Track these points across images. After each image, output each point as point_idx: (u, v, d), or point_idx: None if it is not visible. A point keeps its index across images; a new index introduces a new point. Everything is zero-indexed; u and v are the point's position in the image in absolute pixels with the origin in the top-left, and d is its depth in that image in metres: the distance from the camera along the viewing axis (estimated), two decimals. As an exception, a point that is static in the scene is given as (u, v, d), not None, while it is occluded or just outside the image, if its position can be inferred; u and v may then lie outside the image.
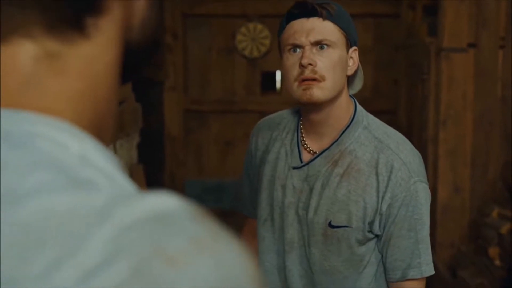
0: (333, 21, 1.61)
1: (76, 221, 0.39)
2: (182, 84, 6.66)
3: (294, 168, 1.71)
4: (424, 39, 4.96)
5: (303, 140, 1.72)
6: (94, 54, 0.50)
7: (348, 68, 1.66)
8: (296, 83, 1.60)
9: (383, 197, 1.59)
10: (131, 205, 0.39)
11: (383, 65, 6.66)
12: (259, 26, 6.57)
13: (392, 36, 6.50)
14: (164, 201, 0.41)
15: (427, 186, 1.64)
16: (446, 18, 4.39)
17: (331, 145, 1.67)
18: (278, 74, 6.55)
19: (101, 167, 0.45)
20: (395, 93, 6.40)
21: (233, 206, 1.98)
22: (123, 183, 0.46)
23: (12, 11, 0.46)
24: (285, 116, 1.82)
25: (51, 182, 0.41)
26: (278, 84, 6.56)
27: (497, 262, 3.97)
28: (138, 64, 0.58)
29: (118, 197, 0.40)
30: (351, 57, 1.67)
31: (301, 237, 1.69)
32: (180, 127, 6.71)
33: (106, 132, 0.53)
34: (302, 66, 1.58)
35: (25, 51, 0.47)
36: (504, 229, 4.02)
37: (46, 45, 0.48)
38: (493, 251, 4.02)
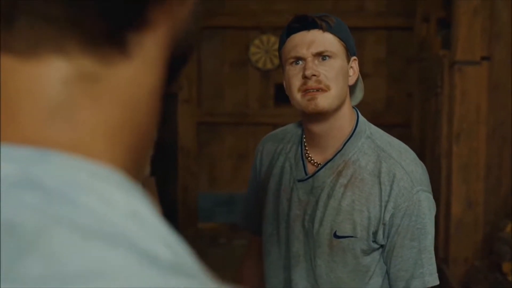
0: (333, 33, 1.64)
1: None
2: (195, 96, 6.68)
3: (299, 181, 1.71)
4: (437, 52, 4.95)
5: (307, 153, 1.72)
6: (136, 76, 0.41)
7: (349, 78, 1.68)
8: (300, 94, 1.62)
9: (385, 207, 1.59)
10: None
11: (396, 78, 6.65)
12: (273, 38, 6.58)
13: (405, 49, 6.49)
14: None
15: (430, 196, 1.63)
16: (460, 31, 4.38)
17: (335, 156, 1.67)
18: (291, 87, 6.54)
19: (155, 229, 0.36)
20: (409, 106, 6.38)
21: (239, 224, 1.98)
22: (182, 252, 0.37)
23: (41, 23, 0.38)
24: (288, 130, 1.83)
25: (117, 259, 0.33)
26: (291, 97, 6.54)
27: (511, 278, 3.93)
28: (173, 77, 0.48)
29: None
30: (351, 67, 1.70)
31: (307, 250, 1.69)
32: (193, 139, 6.72)
33: (142, 166, 0.44)
34: (305, 77, 1.60)
35: (55, 71, 0.38)
36: (518, 244, 3.98)
37: (82, 64, 0.39)
38: (507, 266, 3.98)
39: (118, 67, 0.40)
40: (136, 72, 0.41)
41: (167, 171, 6.16)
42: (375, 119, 1.74)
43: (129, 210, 0.36)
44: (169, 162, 6.38)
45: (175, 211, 6.35)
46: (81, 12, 0.38)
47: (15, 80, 0.38)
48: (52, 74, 0.38)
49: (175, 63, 0.46)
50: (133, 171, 0.41)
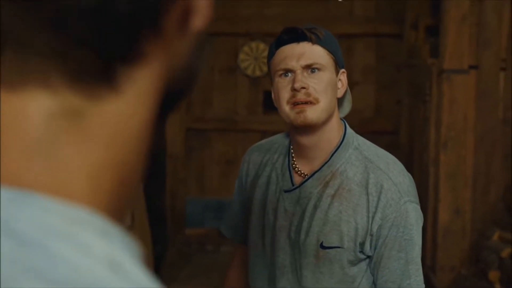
0: (322, 45, 1.64)
1: None
2: (184, 102, 6.67)
3: (285, 191, 1.71)
4: (426, 59, 4.97)
5: (294, 164, 1.72)
6: (125, 112, 0.38)
7: (338, 90, 1.68)
8: (288, 106, 1.62)
9: (373, 218, 1.59)
10: None
11: (385, 85, 6.66)
12: (262, 45, 6.59)
13: (395, 56, 6.51)
14: None
15: (418, 207, 1.63)
16: (448, 40, 4.39)
17: (322, 167, 1.67)
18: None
19: (134, 278, 0.34)
20: (397, 113, 6.39)
21: (224, 233, 1.97)
22: None
23: (28, 55, 0.35)
24: (275, 141, 1.83)
25: None
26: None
27: (498, 286, 3.93)
28: (168, 113, 0.45)
29: None
30: (340, 79, 1.70)
31: (292, 261, 1.68)
32: (182, 145, 6.71)
33: (126, 207, 0.41)
34: (295, 89, 1.60)
35: (39, 106, 0.36)
36: (505, 252, 3.99)
37: (67, 99, 0.36)
38: (494, 275, 3.98)
39: (106, 103, 0.37)
40: (125, 109, 0.38)
41: (155, 177, 6.14)
42: (364, 126, 1.75)
43: (106, 258, 0.34)
44: (157, 168, 6.36)
45: (163, 217, 6.33)
46: (68, 44, 0.36)
47: (1, 113, 0.36)
48: (36, 109, 0.36)
49: (171, 99, 0.43)
50: (116, 213, 0.39)
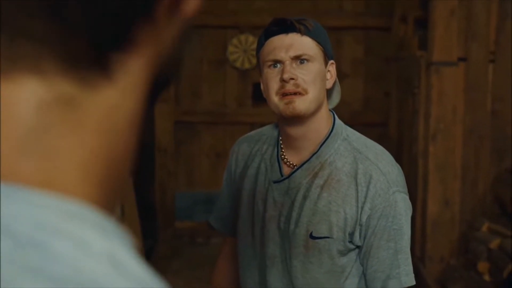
0: (311, 36, 1.64)
1: None
2: (173, 95, 6.65)
3: (274, 182, 1.71)
4: (415, 52, 4.98)
5: (283, 154, 1.72)
6: (116, 101, 0.37)
7: (327, 81, 1.69)
8: (277, 97, 1.62)
9: (362, 208, 1.60)
10: None
11: (374, 77, 6.67)
12: (251, 38, 6.57)
13: (383, 49, 6.51)
14: None
15: (406, 197, 1.64)
16: (436, 32, 4.40)
17: (311, 157, 1.67)
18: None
19: (133, 272, 0.33)
20: (386, 106, 6.41)
21: (213, 225, 1.97)
22: None
23: (21, 39, 0.34)
24: (264, 132, 1.84)
25: None
26: (269, 96, 6.55)
27: (486, 277, 3.96)
28: (153, 102, 0.44)
29: None
30: (329, 70, 1.70)
31: (282, 252, 1.69)
32: (171, 138, 6.68)
33: (116, 199, 0.40)
34: (283, 80, 1.60)
35: (30, 93, 0.34)
36: (494, 243, 4.02)
37: (60, 87, 0.35)
38: (483, 266, 4.01)
39: (99, 91, 0.36)
40: (118, 97, 0.37)
41: (144, 170, 6.12)
42: (353, 119, 1.76)
43: (106, 255, 0.33)
44: (146, 161, 6.35)
45: (153, 210, 6.32)
46: (63, 29, 0.34)
47: None
48: (26, 96, 0.34)
49: (157, 87, 0.42)
50: (106, 204, 0.38)
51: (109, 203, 0.38)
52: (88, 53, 0.35)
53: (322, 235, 1.63)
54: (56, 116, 0.35)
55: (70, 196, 0.34)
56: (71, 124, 0.35)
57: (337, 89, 1.80)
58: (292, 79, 1.60)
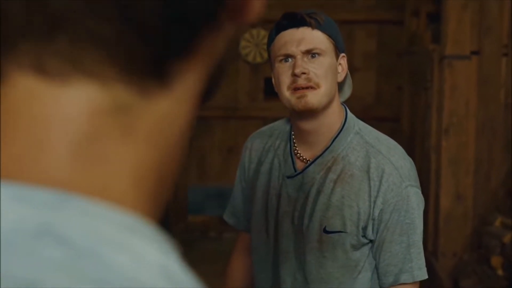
0: (322, 30, 1.64)
1: None
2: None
3: (288, 177, 1.71)
4: (427, 46, 4.95)
5: (296, 149, 1.72)
6: (172, 110, 0.36)
7: (338, 75, 1.68)
8: (289, 92, 1.62)
9: (375, 202, 1.60)
10: None
11: (386, 72, 6.65)
12: (263, 32, 6.57)
13: (395, 43, 6.49)
14: None
15: (419, 191, 1.64)
16: (449, 26, 4.38)
17: (323, 152, 1.67)
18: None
19: (185, 285, 0.33)
20: (398, 100, 6.39)
21: (227, 220, 1.97)
22: None
23: (84, 42, 0.33)
24: (276, 127, 1.83)
25: None
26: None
27: (500, 272, 3.94)
28: (199, 108, 0.42)
29: None
30: (340, 63, 1.70)
31: (296, 247, 1.69)
32: (183, 133, 6.70)
33: (161, 206, 0.39)
34: (295, 75, 1.59)
35: (86, 98, 0.33)
36: (507, 238, 4.00)
37: (118, 94, 0.34)
38: (496, 260, 3.99)
39: (155, 100, 0.35)
40: (173, 106, 0.36)
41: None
42: (365, 113, 1.76)
43: (160, 268, 0.32)
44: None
45: (165, 204, 6.34)
46: (132, 34, 0.33)
47: (41, 106, 0.33)
48: (82, 102, 0.33)
49: (204, 97, 0.40)
50: (153, 214, 0.37)
51: (156, 213, 0.37)
52: (150, 61, 0.34)
53: (336, 230, 1.63)
54: (110, 124, 0.34)
55: (122, 205, 0.34)
56: (125, 133, 0.34)
57: (349, 82, 1.79)
58: (304, 73, 1.59)
